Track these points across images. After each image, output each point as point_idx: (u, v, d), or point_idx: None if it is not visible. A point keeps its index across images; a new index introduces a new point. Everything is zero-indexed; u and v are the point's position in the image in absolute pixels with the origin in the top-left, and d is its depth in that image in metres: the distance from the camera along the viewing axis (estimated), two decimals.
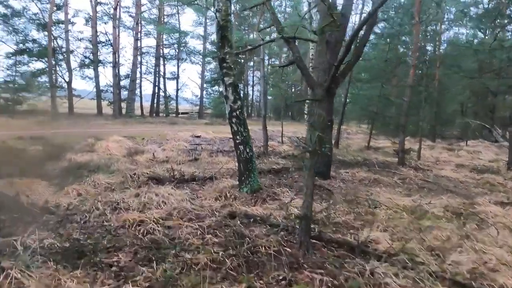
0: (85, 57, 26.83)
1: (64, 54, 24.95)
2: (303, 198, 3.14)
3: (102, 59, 26.77)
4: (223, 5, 4.61)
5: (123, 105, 26.54)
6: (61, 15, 24.84)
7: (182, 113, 32.85)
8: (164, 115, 30.08)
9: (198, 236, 3.32)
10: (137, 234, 3.35)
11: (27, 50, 23.24)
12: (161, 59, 30.82)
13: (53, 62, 23.67)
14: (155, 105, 30.71)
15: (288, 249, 3.12)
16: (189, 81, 63.47)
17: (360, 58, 6.16)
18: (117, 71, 25.99)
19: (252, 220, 3.86)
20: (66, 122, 16.74)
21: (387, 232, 3.63)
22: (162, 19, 29.47)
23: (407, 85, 8.74)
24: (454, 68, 17.01)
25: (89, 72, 26.68)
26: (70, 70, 24.54)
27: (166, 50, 31.61)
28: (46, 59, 22.85)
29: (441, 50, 17.08)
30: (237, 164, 5.26)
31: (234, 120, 4.78)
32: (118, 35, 26.41)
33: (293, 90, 37.74)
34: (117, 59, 25.91)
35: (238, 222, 3.77)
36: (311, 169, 3.01)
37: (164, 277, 2.56)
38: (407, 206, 4.62)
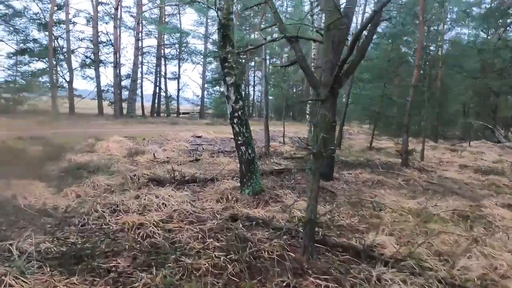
0: (86, 57, 26.80)
1: (65, 54, 24.91)
2: (308, 202, 3.05)
3: (103, 59, 26.76)
4: (224, 4, 4.52)
5: (124, 105, 26.48)
6: (62, 15, 24.88)
7: (183, 113, 32.78)
8: (165, 115, 30.02)
9: (199, 240, 3.23)
10: (136, 237, 3.26)
11: (28, 50, 23.20)
12: (162, 59, 30.76)
13: (54, 62, 23.61)
14: (156, 105, 30.66)
15: (291, 254, 3.03)
16: (190, 81, 63.56)
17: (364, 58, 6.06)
18: (118, 71, 25.92)
19: (254, 223, 3.77)
20: (67, 122, 16.66)
21: (393, 236, 3.54)
22: (163, 19, 29.41)
23: (411, 85, 8.63)
24: (456, 68, 16.90)
25: (90, 72, 26.67)
26: (71, 70, 24.49)
27: (167, 50, 31.58)
28: (47, 59, 22.78)
29: (443, 50, 16.92)
30: (238, 165, 5.17)
31: (235, 120, 4.69)
32: (119, 35, 26.37)
33: (294, 90, 37.65)
34: (118, 59, 25.84)
35: (240, 225, 3.69)
36: (316, 172, 2.92)
37: (164, 283, 2.47)
38: (412, 208, 4.53)
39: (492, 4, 24.19)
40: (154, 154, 8.09)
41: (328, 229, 3.75)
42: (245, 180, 4.78)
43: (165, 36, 30.38)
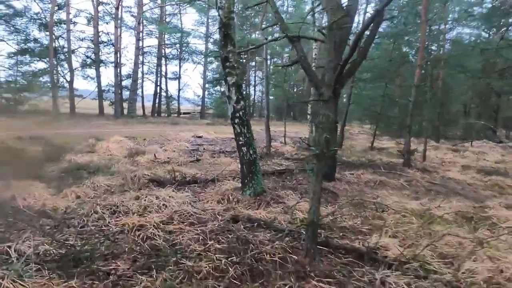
0: (87, 57, 26.77)
1: (65, 54, 24.87)
2: (310, 204, 3.00)
3: (104, 59, 26.72)
4: (225, 2, 4.48)
5: (125, 105, 26.48)
6: (62, 15, 24.84)
7: (184, 113, 32.78)
8: (166, 115, 30.00)
9: (200, 242, 3.18)
10: (136, 239, 3.22)
11: (29, 50, 23.18)
12: (163, 59, 30.75)
13: (55, 62, 23.59)
14: (156, 105, 30.66)
15: (293, 256, 2.98)
16: (191, 81, 63.63)
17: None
18: (118, 71, 25.92)
19: (255, 224, 3.72)
20: (67, 122, 16.64)
21: (397, 238, 3.49)
22: (164, 19, 29.39)
23: (413, 85, 8.57)
24: (458, 68, 16.82)
25: (91, 72, 26.64)
26: (71, 70, 24.46)
27: (167, 50, 31.58)
28: (47, 59, 22.76)
29: (445, 50, 16.85)
30: (239, 165, 5.12)
31: (237, 121, 4.65)
32: (120, 35, 26.35)
33: (295, 90, 37.61)
34: (118, 59, 25.84)
35: (242, 226, 3.64)
36: (319, 173, 2.87)
37: (164, 287, 2.43)
38: (415, 210, 4.47)
39: (494, 4, 24.15)
40: (154, 154, 8.05)
41: (331, 231, 3.70)
42: (246, 181, 4.74)
43: (166, 36, 30.38)
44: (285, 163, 7.81)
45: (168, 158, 8.06)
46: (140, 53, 27.40)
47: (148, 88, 68.53)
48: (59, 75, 24.95)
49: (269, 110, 10.66)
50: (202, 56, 31.02)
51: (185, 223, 3.72)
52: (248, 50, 7.34)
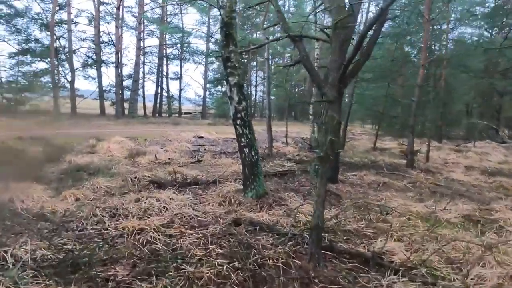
0: (88, 57, 26.72)
1: (66, 54, 24.83)
2: (314, 207, 2.92)
3: (105, 59, 26.60)
4: (227, 2, 4.40)
5: (126, 105, 26.41)
6: (63, 15, 24.77)
7: (185, 113, 32.72)
8: (167, 115, 29.95)
9: (201, 247, 3.11)
10: (136, 243, 3.15)
11: (30, 50, 23.14)
12: (164, 59, 30.69)
13: (56, 62, 23.53)
14: (158, 105, 30.59)
15: (297, 262, 2.91)
16: (192, 81, 63.47)
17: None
18: (119, 71, 25.88)
19: (258, 228, 3.65)
20: (68, 123, 16.59)
21: (402, 242, 3.42)
22: (165, 19, 29.34)
23: (416, 84, 8.48)
24: (460, 68, 16.73)
25: (92, 72, 26.61)
26: (72, 70, 24.42)
27: (169, 50, 31.52)
28: (48, 59, 22.72)
29: (448, 50, 16.75)
30: (241, 166, 5.05)
31: (238, 122, 4.57)
32: (121, 35, 26.32)
33: (296, 90, 37.53)
34: (119, 59, 25.81)
35: (244, 230, 3.56)
36: (323, 176, 2.80)
37: None
38: (420, 212, 4.39)
39: (496, 3, 24.03)
40: (155, 155, 7.99)
41: (335, 235, 3.63)
42: (248, 182, 4.66)
43: (167, 36, 30.33)
44: (287, 164, 7.73)
45: (169, 159, 7.99)
46: (141, 53, 27.35)
47: (149, 88, 68.46)
48: (60, 75, 24.91)
49: (270, 110, 10.57)
50: (203, 56, 30.98)
51: (185, 227, 3.65)
52: (249, 50, 7.26)
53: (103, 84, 25.79)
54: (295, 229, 3.68)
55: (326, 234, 3.51)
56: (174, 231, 3.47)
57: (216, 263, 2.75)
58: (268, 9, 11.36)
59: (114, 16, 25.88)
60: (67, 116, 20.95)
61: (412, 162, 8.44)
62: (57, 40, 24.29)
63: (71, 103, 23.41)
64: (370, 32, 5.30)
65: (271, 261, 2.87)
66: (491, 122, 20.43)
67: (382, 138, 16.29)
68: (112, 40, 26.29)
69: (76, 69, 25.36)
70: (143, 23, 27.01)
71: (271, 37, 15.50)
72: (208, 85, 32.45)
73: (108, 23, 26.88)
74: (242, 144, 4.64)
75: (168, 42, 30.67)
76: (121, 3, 25.35)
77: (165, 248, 3.06)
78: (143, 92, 29.90)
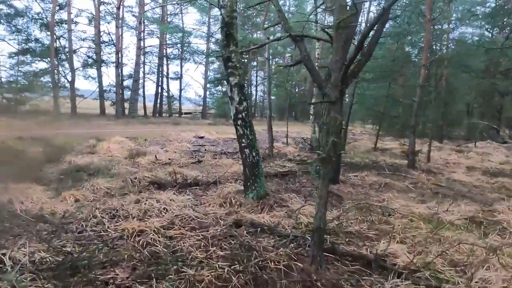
0: (88, 57, 26.68)
1: (67, 53, 24.80)
2: (316, 209, 2.89)
3: (105, 59, 26.55)
4: (228, 1, 4.36)
5: (126, 105, 26.38)
6: (64, 15, 24.72)
7: (185, 113, 32.69)
8: (167, 115, 29.92)
9: (202, 249, 3.08)
10: (136, 245, 3.11)
11: (30, 49, 23.12)
12: (164, 58, 30.66)
13: (56, 62, 23.50)
14: (158, 105, 30.56)
15: (299, 264, 2.87)
16: (192, 81, 63.44)
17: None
18: (120, 71, 25.84)
19: (259, 229, 3.61)
20: (68, 123, 16.56)
21: (405, 244, 3.38)
22: (165, 19, 29.30)
23: (418, 84, 8.44)
24: (461, 68, 16.69)
25: (92, 72, 26.56)
26: (72, 70, 24.38)
27: (169, 50, 31.49)
28: (48, 59, 22.69)
29: (449, 50, 16.69)
30: (241, 167, 5.01)
31: (239, 122, 4.53)
32: (121, 34, 26.28)
33: (296, 90, 37.50)
34: (120, 59, 25.77)
35: (244, 232, 3.53)
36: (325, 177, 2.76)
37: None
38: (423, 214, 4.36)
39: (497, 3, 24.00)
40: (155, 155, 7.95)
41: (336, 236, 3.59)
42: (249, 183, 4.63)
43: (167, 36, 30.28)
44: (288, 164, 7.69)
45: (169, 159, 7.96)
46: (142, 53, 27.31)
47: (150, 88, 68.35)
48: (60, 75, 24.87)
49: (271, 111, 10.53)
50: (204, 56, 30.94)
51: (186, 228, 3.61)
52: (250, 50, 7.23)
53: (103, 84, 25.80)
54: (296, 230, 3.65)
55: (328, 236, 3.48)
56: (174, 233, 3.44)
57: (217, 265, 2.72)
58: (268, 9, 11.33)
59: (114, 15, 25.86)
60: (67, 116, 20.92)
61: (414, 162, 8.40)
62: (57, 40, 24.26)
63: (71, 103, 23.38)
64: (371, 32, 5.27)
65: (272, 263, 2.83)
66: (492, 122, 20.40)
67: (383, 138, 16.26)
68: (112, 40, 26.28)
69: (76, 69, 25.35)
70: (144, 22, 26.98)
71: (271, 37, 15.47)
72: (208, 85, 32.44)
73: (108, 23, 26.86)
74: (243, 144, 4.61)
75: (168, 42, 30.65)
76: (122, 3, 25.32)
77: (165, 250, 3.02)
78: (143, 92, 29.90)
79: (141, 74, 28.19)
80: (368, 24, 8.53)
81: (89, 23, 25.75)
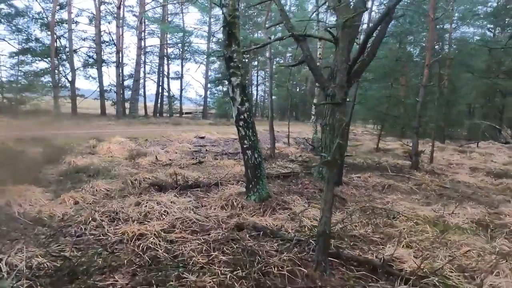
0: (89, 56, 26.64)
1: (67, 53, 24.74)
2: (321, 213, 2.81)
3: (106, 59, 26.52)
4: (230, 0, 4.28)
5: (127, 105, 26.33)
6: (64, 14, 24.67)
7: (186, 113, 32.65)
8: (168, 115, 29.86)
9: (203, 253, 3.00)
10: (136, 250, 3.03)
11: (30, 49, 23.06)
12: (165, 58, 30.60)
13: (56, 62, 23.45)
14: (158, 105, 30.52)
15: (303, 270, 2.79)
16: (193, 80, 63.36)
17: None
18: (120, 71, 25.79)
19: (261, 233, 3.54)
20: (69, 123, 16.51)
21: (411, 249, 3.29)
22: (166, 18, 29.24)
23: (421, 85, 8.36)
24: (463, 68, 16.61)
25: (93, 71, 26.54)
26: (73, 69, 24.32)
27: (170, 50, 31.46)
28: (49, 58, 22.64)
29: (451, 49, 16.62)
30: (243, 168, 4.94)
31: (241, 123, 4.45)
32: (122, 34, 26.23)
33: (297, 89, 37.43)
34: (120, 59, 25.71)
35: (247, 235, 3.45)
36: (330, 181, 2.69)
37: None
38: (428, 216, 4.28)
39: (499, 3, 23.91)
40: (156, 156, 7.88)
41: (341, 240, 3.51)
42: (251, 185, 4.55)
43: (168, 36, 30.24)
44: (290, 165, 7.61)
45: (170, 160, 7.89)
46: (142, 52, 27.26)
47: (150, 88, 68.32)
48: (61, 75, 24.83)
49: (272, 111, 10.44)
50: (205, 55, 30.87)
51: (187, 232, 3.54)
52: (252, 49, 7.16)
53: (104, 83, 25.76)
54: (299, 234, 3.58)
55: (332, 240, 3.40)
56: (175, 237, 3.36)
57: (219, 271, 2.65)
58: (270, 8, 11.26)
59: (115, 15, 25.81)
60: (68, 116, 20.87)
61: (417, 163, 8.31)
62: (57, 40, 24.21)
63: (72, 103, 23.35)
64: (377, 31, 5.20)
65: (276, 269, 2.76)
66: (494, 123, 20.29)
67: (384, 139, 16.16)
68: (113, 39, 26.24)
69: (77, 68, 25.30)
70: (144, 22, 26.94)
71: (272, 37, 15.37)
72: (209, 85, 32.37)
73: (109, 22, 26.84)
74: (245, 146, 4.53)
75: (169, 41, 30.60)
76: (122, 3, 25.26)
77: (166, 255, 2.95)
78: (144, 92, 29.88)
79: (141, 74, 28.18)
80: (371, 24, 8.45)
81: (89, 22, 25.76)
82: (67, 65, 24.82)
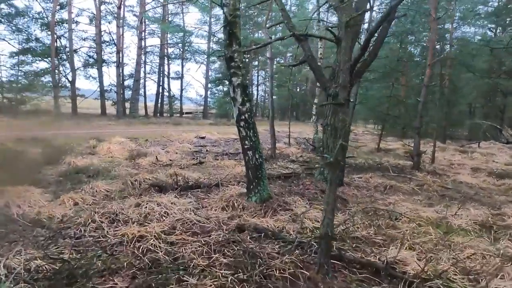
0: (89, 56, 26.60)
1: (67, 53, 24.71)
2: (323, 215, 2.77)
3: (106, 59, 26.46)
4: None
5: (127, 105, 26.30)
6: (64, 14, 24.61)
7: (186, 113, 32.62)
8: (168, 115, 29.83)
9: (204, 255, 2.96)
10: (136, 252, 3.00)
11: (31, 49, 23.02)
12: (165, 58, 30.57)
13: (57, 62, 23.41)
14: (159, 105, 30.48)
15: (305, 272, 2.76)
16: (194, 80, 63.25)
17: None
18: (120, 71, 25.74)
19: (263, 234, 3.50)
20: (69, 123, 16.47)
21: (414, 251, 3.25)
22: (166, 18, 29.20)
23: (423, 84, 8.31)
24: (464, 67, 16.58)
25: (93, 71, 26.49)
26: (73, 69, 24.28)
27: (170, 50, 31.42)
28: (49, 58, 22.61)
29: (452, 49, 16.58)
30: (244, 168, 4.89)
31: (242, 124, 4.41)
32: (122, 34, 26.17)
33: (298, 89, 37.40)
34: (121, 59, 25.66)
35: (248, 237, 3.42)
36: (333, 182, 2.65)
37: None
38: (431, 218, 4.24)
39: (500, 3, 23.87)
40: (156, 156, 7.84)
41: (343, 242, 3.47)
42: (252, 186, 4.51)
43: (168, 35, 30.20)
44: (291, 166, 7.57)
45: (170, 160, 7.85)
46: (143, 52, 27.23)
47: (151, 88, 68.29)
48: (61, 74, 24.78)
49: (273, 111, 10.40)
50: (205, 55, 30.83)
51: (187, 233, 3.50)
52: (253, 49, 7.11)
53: (104, 83, 25.71)
54: (301, 235, 3.54)
55: (334, 242, 3.35)
56: (175, 238, 3.32)
57: (220, 274, 2.61)
58: (271, 8, 11.22)
59: (115, 15, 25.77)
60: (68, 116, 20.83)
61: (418, 164, 8.27)
62: (58, 40, 24.17)
63: (72, 103, 23.31)
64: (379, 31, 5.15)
65: (277, 272, 2.72)
66: (495, 122, 20.24)
67: (385, 138, 16.13)
68: (113, 39, 26.20)
69: (77, 68, 25.25)
70: (144, 22, 26.90)
71: (273, 37, 15.35)
72: (209, 85, 32.34)
73: (109, 22, 26.80)
74: (246, 146, 4.49)
75: (169, 41, 30.56)
76: (122, 2, 25.22)
77: (166, 257, 2.91)
78: (144, 91, 29.84)
79: (142, 74, 28.14)
80: (372, 23, 8.41)
81: (90, 22, 25.71)
82: (67, 65, 24.80)
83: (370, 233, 3.72)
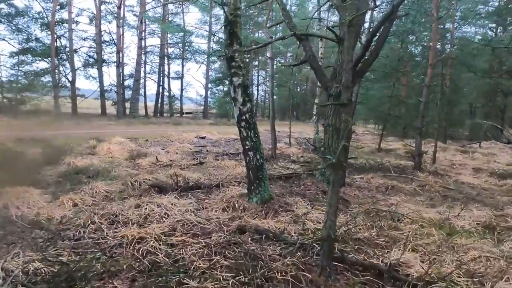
0: (89, 56, 26.58)
1: (67, 53, 24.68)
2: (325, 217, 2.74)
3: (106, 59, 26.44)
4: None
5: (127, 105, 26.27)
6: (64, 14, 24.59)
7: (187, 113, 32.59)
8: (169, 115, 29.80)
9: (205, 258, 2.92)
10: (135, 254, 2.96)
11: (31, 49, 22.99)
12: (166, 58, 30.53)
13: (57, 62, 23.38)
14: (159, 105, 30.46)
15: (307, 275, 2.72)
16: (194, 80, 63.21)
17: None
18: (121, 71, 25.71)
19: (264, 236, 3.46)
20: (69, 123, 16.44)
21: (417, 253, 3.22)
22: (167, 18, 29.17)
23: (424, 84, 8.27)
24: (465, 67, 16.55)
25: (93, 71, 26.47)
26: (73, 69, 24.25)
27: (170, 49, 31.39)
28: (49, 58, 22.58)
29: (452, 49, 16.52)
30: (244, 169, 4.86)
31: (243, 124, 4.37)
32: (122, 34, 26.15)
33: (298, 89, 37.37)
34: (121, 59, 25.63)
35: (249, 239, 3.38)
36: (335, 184, 2.61)
37: None
38: (433, 219, 4.20)
39: (500, 2, 23.83)
40: (156, 157, 7.81)
41: (345, 244, 3.43)
42: (253, 187, 4.47)
43: (169, 35, 30.17)
44: (292, 166, 7.53)
45: (171, 160, 7.82)
46: (143, 52, 27.20)
47: (151, 87, 68.30)
48: (61, 74, 24.76)
49: (274, 111, 10.35)
50: (205, 55, 30.80)
51: (188, 235, 3.46)
52: (254, 49, 7.08)
53: (104, 83, 25.69)
54: (303, 237, 3.50)
55: (336, 244, 3.32)
56: (176, 240, 3.29)
57: (221, 277, 2.58)
58: (271, 8, 11.18)
59: (115, 15, 25.74)
60: (68, 116, 20.80)
61: (420, 164, 8.23)
62: (58, 40, 24.14)
63: (72, 103, 23.28)
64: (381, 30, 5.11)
65: (279, 274, 2.68)
66: (496, 122, 20.22)
67: (386, 139, 16.09)
68: (113, 39, 26.18)
69: (77, 68, 25.22)
70: (145, 22, 26.87)
71: (274, 37, 15.30)
72: (210, 85, 32.32)
73: (109, 22, 26.78)
74: (246, 147, 4.45)
75: (169, 41, 30.52)
76: (123, 2, 25.19)
77: (167, 259, 2.87)
78: (144, 91, 29.82)
79: (142, 74, 28.12)
80: (373, 23, 8.36)
81: (90, 22, 25.69)
82: (68, 65, 24.77)
83: (373, 235, 3.68)
